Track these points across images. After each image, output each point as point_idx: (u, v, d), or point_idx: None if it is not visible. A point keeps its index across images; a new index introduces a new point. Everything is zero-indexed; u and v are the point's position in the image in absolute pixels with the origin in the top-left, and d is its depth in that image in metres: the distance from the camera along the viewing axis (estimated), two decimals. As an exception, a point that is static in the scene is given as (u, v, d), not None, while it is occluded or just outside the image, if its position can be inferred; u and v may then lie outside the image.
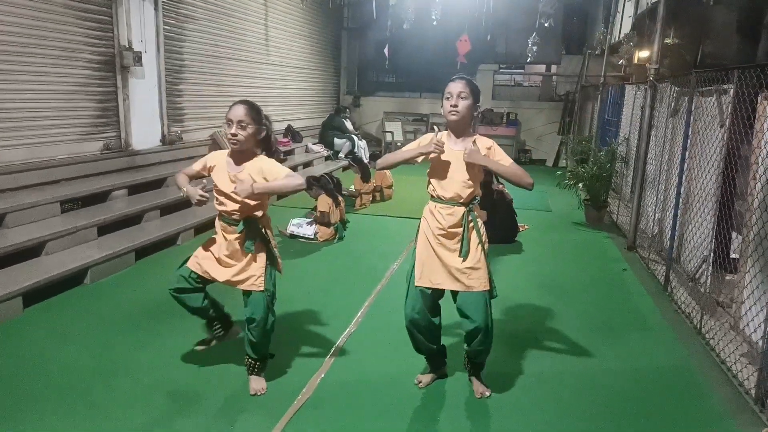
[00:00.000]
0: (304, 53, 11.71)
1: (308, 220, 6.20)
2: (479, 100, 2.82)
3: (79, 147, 5.81)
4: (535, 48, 10.01)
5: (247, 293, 2.96)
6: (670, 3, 5.73)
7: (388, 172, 8.29)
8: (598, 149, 8.01)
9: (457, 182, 2.78)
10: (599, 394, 3.12)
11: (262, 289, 2.93)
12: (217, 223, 3.01)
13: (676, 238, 4.74)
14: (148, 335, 3.61)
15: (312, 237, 5.97)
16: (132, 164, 6.23)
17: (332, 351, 3.46)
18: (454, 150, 2.80)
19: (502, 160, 2.80)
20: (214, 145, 8.10)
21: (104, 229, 5.12)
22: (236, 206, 2.87)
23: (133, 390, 2.98)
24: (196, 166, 3.03)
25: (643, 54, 8.03)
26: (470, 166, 2.76)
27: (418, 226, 2.99)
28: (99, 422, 2.69)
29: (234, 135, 2.79)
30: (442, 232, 2.82)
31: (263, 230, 2.96)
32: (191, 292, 3.05)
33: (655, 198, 5.79)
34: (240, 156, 2.89)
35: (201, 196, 2.91)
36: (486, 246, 2.88)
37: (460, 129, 2.83)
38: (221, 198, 2.91)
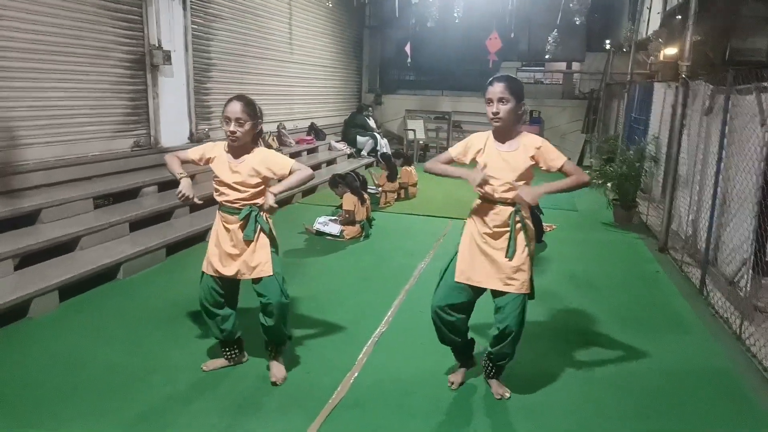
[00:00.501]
0: (327, 51, 11.73)
1: (333, 217, 6.21)
2: (523, 97, 2.73)
3: (110, 144, 5.88)
4: (557, 45, 9.88)
5: (257, 281, 2.99)
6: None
7: (413, 169, 8.27)
8: (626, 148, 7.88)
9: (504, 183, 2.73)
10: (635, 395, 3.07)
11: (272, 273, 2.97)
12: (218, 215, 3.04)
13: (712, 240, 4.64)
14: (182, 331, 3.65)
15: (338, 235, 5.98)
16: (161, 161, 6.19)
17: (364, 350, 3.45)
18: (501, 150, 2.76)
19: (555, 160, 2.72)
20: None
21: (135, 225, 5.18)
22: (238, 195, 2.94)
23: (169, 388, 3.00)
24: (192, 154, 3.04)
25: (670, 51, 7.89)
26: (519, 168, 2.70)
27: (464, 225, 2.94)
28: (136, 422, 2.71)
29: (233, 132, 2.85)
30: (488, 231, 2.79)
31: (264, 216, 3.00)
32: (222, 307, 3.07)
33: (688, 199, 5.68)
34: (237, 149, 2.94)
35: (198, 199, 3.01)
36: (532, 248, 2.82)
37: (506, 132, 2.77)
38: (222, 188, 2.96)
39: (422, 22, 11.11)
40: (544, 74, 15.81)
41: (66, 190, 5.01)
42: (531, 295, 2.84)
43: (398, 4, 10.19)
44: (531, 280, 2.82)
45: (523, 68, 14.80)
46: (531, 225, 2.83)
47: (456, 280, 2.85)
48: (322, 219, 6.18)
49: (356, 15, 13.09)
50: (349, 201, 6.03)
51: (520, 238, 2.76)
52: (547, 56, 12.31)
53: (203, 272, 3.08)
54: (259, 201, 2.99)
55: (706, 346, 3.71)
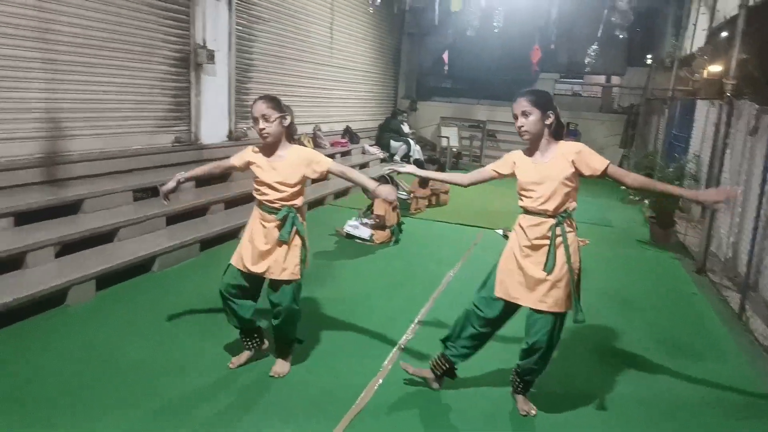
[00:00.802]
0: (366, 57, 11.81)
1: (364, 220, 6.23)
2: (550, 107, 2.70)
3: (152, 139, 6.03)
4: (598, 58, 9.75)
5: (275, 282, 3.03)
6: (749, 16, 5.46)
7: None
8: (665, 165, 7.71)
9: (541, 193, 2.70)
10: (666, 420, 2.99)
11: (299, 277, 3.02)
12: (255, 212, 3.09)
13: (753, 264, 4.50)
14: (213, 327, 3.68)
15: (368, 239, 5.99)
16: (200, 157, 6.40)
17: (390, 356, 3.44)
18: (536, 162, 2.74)
19: (597, 163, 2.67)
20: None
21: (172, 219, 5.29)
22: (279, 195, 2.98)
23: (198, 383, 3.04)
24: (235, 161, 3.09)
25: (714, 68, 7.69)
26: (557, 177, 2.66)
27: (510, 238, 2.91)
28: (165, 417, 2.74)
29: (262, 129, 2.90)
30: (528, 243, 2.75)
31: (300, 218, 3.04)
32: (242, 298, 3.10)
33: (729, 220, 5.52)
34: (271, 147, 2.99)
35: (168, 192, 3.13)
36: (575, 265, 2.75)
37: (536, 143, 2.75)
38: (263, 188, 3.01)
39: (462, 31, 11.10)
40: (583, 87, 15.60)
41: (108, 182, 5.15)
42: (576, 316, 2.74)
43: (438, 13, 10.20)
44: (572, 299, 2.75)
45: (562, 80, 14.65)
46: (575, 239, 2.77)
47: (496, 294, 2.82)
48: (352, 222, 6.21)
49: (396, 22, 13.16)
50: (380, 206, 6.04)
51: (560, 252, 2.71)
52: (586, 69, 12.15)
53: (230, 264, 3.12)
54: (297, 202, 3.03)
55: (744, 374, 3.59)
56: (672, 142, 9.35)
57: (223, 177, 6.54)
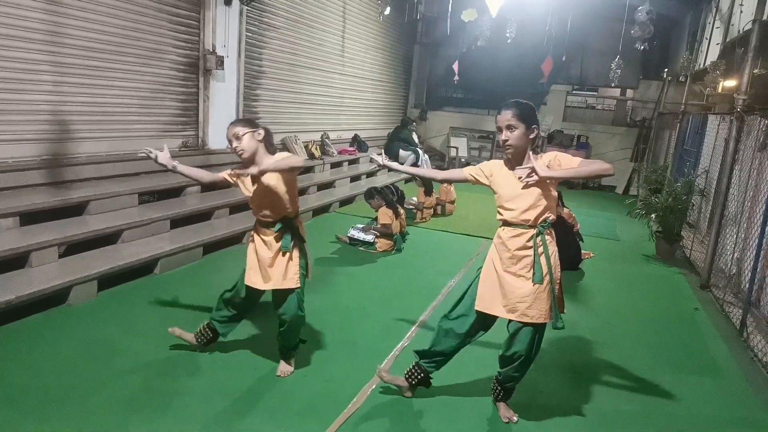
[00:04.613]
0: (377, 65, 11.88)
1: (366, 225, 6.25)
2: (534, 121, 2.71)
3: (159, 143, 6.01)
4: (619, 71, 9.71)
5: (280, 293, 3.09)
6: (764, 30, 5.43)
7: (452, 187, 8.24)
8: (674, 180, 7.65)
9: (523, 205, 2.70)
10: (662, 438, 2.96)
11: (299, 285, 3.08)
12: (255, 226, 3.16)
13: (756, 280, 4.44)
14: (210, 329, 3.72)
15: (371, 242, 6.00)
16: (207, 163, 6.47)
17: (384, 363, 3.45)
18: (517, 173, 2.72)
19: (570, 160, 2.66)
20: (285, 150, 8.33)
21: (176, 222, 5.35)
22: (269, 208, 3.04)
23: (191, 384, 3.07)
24: (224, 175, 3.15)
25: (729, 83, 7.64)
26: (536, 187, 2.67)
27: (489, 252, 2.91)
28: (160, 418, 2.77)
29: (236, 148, 2.97)
30: (509, 255, 2.74)
31: (298, 229, 3.12)
32: (232, 321, 3.34)
33: (735, 236, 5.46)
34: (250, 164, 3.00)
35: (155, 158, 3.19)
36: (556, 275, 2.77)
37: (519, 156, 2.74)
38: (253, 205, 3.10)
39: (473, 41, 11.12)
40: (596, 99, 15.53)
41: (114, 185, 5.22)
42: (556, 324, 2.76)
43: (450, 23, 10.24)
44: (555, 308, 2.76)
45: (574, 92, 14.59)
46: (554, 249, 2.77)
47: (476, 308, 2.83)
48: (357, 227, 6.24)
49: (408, 31, 13.23)
50: (385, 215, 6.06)
51: (542, 262, 2.71)
52: (599, 81, 12.12)
53: (240, 280, 3.22)
54: (290, 213, 3.09)
55: (741, 392, 3.54)
56: (683, 157, 9.28)
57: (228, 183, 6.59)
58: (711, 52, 9.25)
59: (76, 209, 4.77)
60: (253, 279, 3.13)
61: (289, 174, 3.01)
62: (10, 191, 4.51)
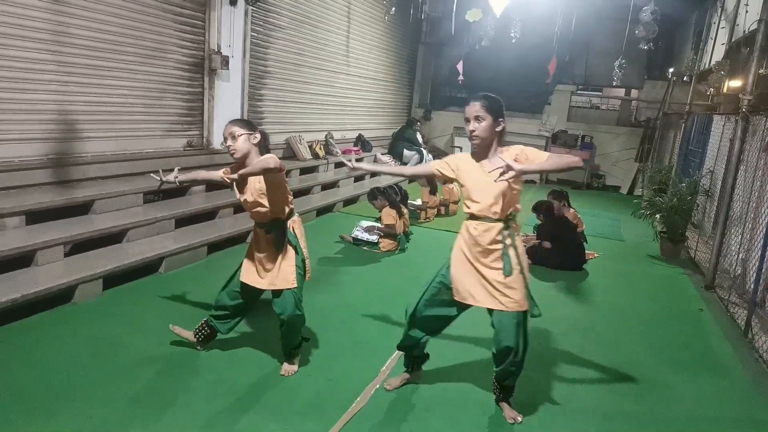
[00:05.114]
0: (382, 65, 11.89)
1: (371, 223, 6.26)
2: (501, 115, 2.75)
3: (164, 142, 6.14)
4: (621, 71, 9.68)
5: (276, 292, 3.10)
6: (769, 31, 5.40)
7: (455, 187, 8.24)
8: (678, 180, 7.63)
9: (489, 199, 2.74)
10: (666, 438, 2.96)
11: (295, 285, 3.08)
12: (254, 227, 3.21)
13: (761, 281, 4.43)
14: (214, 328, 3.74)
15: (375, 242, 6.01)
16: (211, 162, 6.50)
17: (388, 363, 3.45)
18: (483, 167, 2.77)
19: (537, 155, 2.69)
20: (289, 149, 8.36)
21: (181, 222, 5.37)
22: (260, 209, 3.05)
23: (194, 382, 3.09)
24: (220, 174, 3.19)
25: (734, 83, 7.61)
26: (504, 182, 2.68)
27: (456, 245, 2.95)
28: (163, 415, 2.79)
29: (230, 146, 2.98)
30: (479, 249, 2.78)
31: (292, 230, 3.12)
32: (229, 318, 3.32)
33: (740, 237, 5.44)
34: (242, 165, 3.02)
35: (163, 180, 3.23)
36: (525, 264, 2.82)
37: (486, 149, 2.79)
38: (245, 206, 3.13)
39: (478, 41, 11.11)
40: (601, 99, 15.50)
41: (119, 184, 5.25)
42: (532, 311, 2.83)
43: (454, 23, 10.24)
44: (529, 297, 2.81)
45: (579, 92, 14.56)
46: (521, 241, 2.86)
47: (454, 298, 2.88)
48: (365, 223, 6.25)
49: (412, 31, 13.24)
50: (389, 215, 6.06)
51: (512, 254, 2.75)
52: (604, 81, 12.09)
53: (236, 275, 3.24)
54: (282, 214, 3.11)
55: (746, 392, 3.53)
56: (687, 157, 9.25)
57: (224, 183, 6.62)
58: (716, 52, 9.23)
59: (82, 208, 4.80)
60: (249, 277, 3.17)
61: (271, 176, 2.95)
62: (16, 190, 4.54)
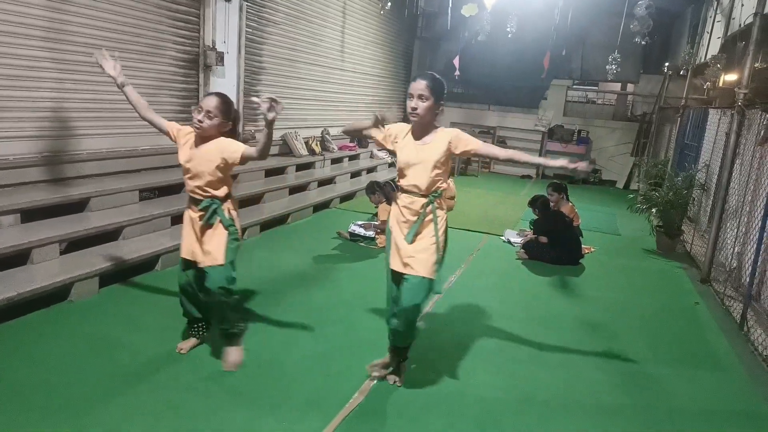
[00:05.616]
0: (377, 60, 11.85)
1: (369, 222, 6.26)
2: (442, 99, 2.88)
3: (160, 139, 6.09)
4: (615, 66, 9.69)
5: (206, 267, 3.10)
6: (765, 24, 5.41)
7: (452, 183, 8.21)
8: (674, 174, 7.65)
9: (418, 174, 2.87)
10: (665, 430, 2.97)
11: (222, 262, 3.06)
12: (187, 203, 3.17)
13: (757, 274, 4.45)
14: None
15: (372, 237, 6.01)
16: (207, 159, 6.47)
17: (385, 359, 3.45)
18: (417, 144, 2.90)
19: (469, 141, 2.88)
20: (285, 146, 8.35)
21: (177, 219, 5.34)
22: (199, 183, 3.03)
23: (193, 379, 3.09)
24: (171, 126, 3.19)
25: (730, 77, 7.63)
26: (432, 159, 2.84)
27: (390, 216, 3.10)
28: (161, 412, 2.79)
29: (200, 122, 2.95)
30: (404, 220, 2.94)
31: (227, 210, 3.09)
32: (190, 294, 3.30)
33: (735, 230, 5.46)
34: (202, 138, 3.02)
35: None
36: (442, 239, 2.94)
37: (423, 128, 2.91)
38: (185, 175, 3.08)
39: (474, 36, 11.10)
40: (597, 94, 15.53)
41: (115, 181, 5.23)
42: (435, 286, 2.95)
43: (450, 18, 10.23)
44: (435, 270, 2.92)
45: (575, 86, 14.56)
46: (444, 217, 2.98)
47: (390, 266, 3.03)
48: (358, 223, 6.24)
49: (408, 26, 13.20)
50: (385, 211, 6.05)
51: (429, 227, 2.90)
52: (599, 76, 12.10)
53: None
54: (219, 193, 3.07)
55: (741, 386, 3.55)
56: (683, 152, 9.28)
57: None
58: (712, 45, 9.24)
59: (78, 206, 4.78)
60: (184, 251, 3.18)
61: (242, 160, 2.98)
62: (11, 188, 4.52)
